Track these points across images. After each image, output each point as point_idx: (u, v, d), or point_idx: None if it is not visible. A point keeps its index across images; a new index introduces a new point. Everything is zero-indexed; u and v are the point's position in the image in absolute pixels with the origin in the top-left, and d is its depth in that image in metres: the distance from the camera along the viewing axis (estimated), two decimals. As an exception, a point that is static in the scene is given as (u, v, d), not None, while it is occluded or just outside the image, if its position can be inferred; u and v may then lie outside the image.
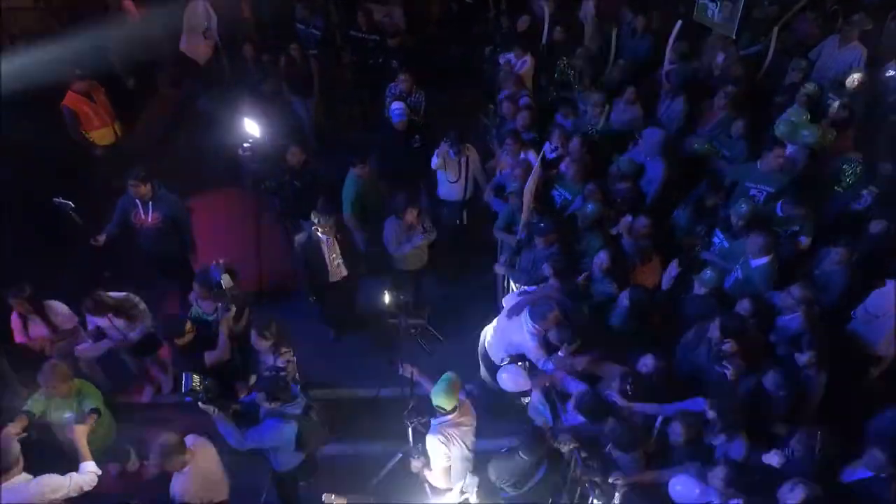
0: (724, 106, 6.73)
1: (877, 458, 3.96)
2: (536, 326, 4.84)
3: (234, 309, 5.31)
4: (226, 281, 5.32)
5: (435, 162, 6.60)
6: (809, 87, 6.62)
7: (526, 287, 5.44)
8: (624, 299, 5.06)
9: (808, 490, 3.66)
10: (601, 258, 5.31)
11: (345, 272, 6.02)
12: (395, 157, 7.04)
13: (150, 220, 6.04)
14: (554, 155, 6.58)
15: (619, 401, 4.48)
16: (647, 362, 4.69)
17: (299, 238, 6.01)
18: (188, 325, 5.07)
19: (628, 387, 4.47)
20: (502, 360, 5.22)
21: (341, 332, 6.73)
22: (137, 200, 5.98)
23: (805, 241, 5.56)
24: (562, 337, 4.80)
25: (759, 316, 4.88)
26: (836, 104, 6.39)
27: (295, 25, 9.02)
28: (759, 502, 3.85)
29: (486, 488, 4.45)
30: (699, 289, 5.17)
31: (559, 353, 4.80)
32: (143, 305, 5.66)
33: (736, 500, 3.82)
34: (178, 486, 4.19)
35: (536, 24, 8.38)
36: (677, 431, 4.20)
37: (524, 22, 8.42)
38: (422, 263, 6.46)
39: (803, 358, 4.56)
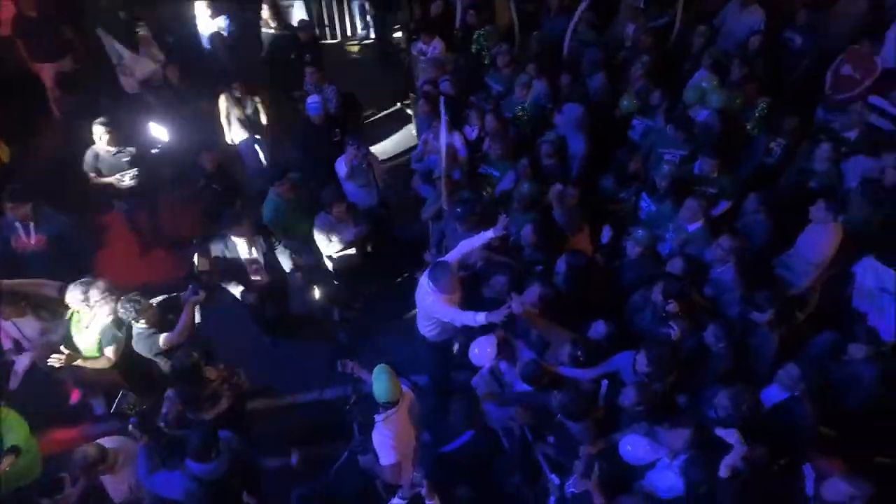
0: (641, 76, 6.86)
1: (791, 373, 4.08)
2: (438, 290, 4.74)
3: (203, 293, 5.01)
4: (200, 263, 5.13)
5: (344, 171, 6.38)
6: (713, 51, 6.84)
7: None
8: (561, 264, 5.05)
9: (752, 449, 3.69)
10: (526, 232, 5.31)
11: (266, 278, 5.81)
12: (317, 151, 6.83)
13: (32, 242, 5.63)
14: (475, 135, 6.53)
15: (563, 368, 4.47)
16: (598, 329, 4.69)
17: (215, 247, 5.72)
18: (143, 305, 4.79)
19: (579, 353, 4.44)
20: (430, 332, 5.15)
21: (278, 337, 6.47)
22: (17, 223, 5.57)
23: (725, 204, 5.72)
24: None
25: (692, 273, 4.95)
26: (735, 65, 6.64)
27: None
28: (704, 455, 3.88)
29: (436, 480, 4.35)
30: (633, 248, 5.22)
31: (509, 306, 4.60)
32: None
33: (683, 455, 3.85)
34: (114, 489, 4.03)
35: (449, 9, 8.33)
36: (630, 396, 4.14)
37: (437, 7, 8.35)
38: (356, 260, 6.29)
39: (763, 317, 4.51)
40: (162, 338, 4.85)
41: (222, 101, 7.27)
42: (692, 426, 3.82)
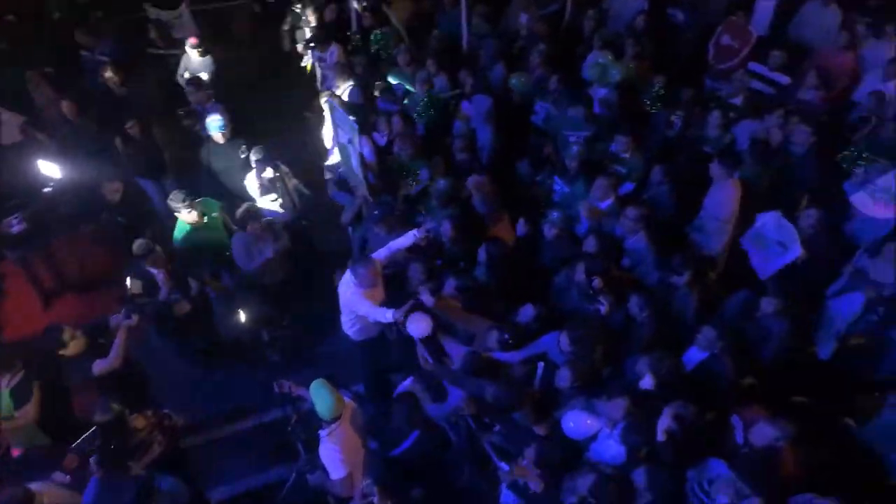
0: (539, 64, 7.04)
1: (707, 335, 4.32)
2: (357, 283, 4.77)
3: (136, 318, 4.88)
4: (134, 286, 5.08)
5: (255, 188, 6.29)
6: (603, 33, 7.13)
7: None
8: (482, 253, 5.11)
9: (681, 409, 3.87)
10: (445, 228, 5.33)
11: (187, 307, 5.61)
12: (227, 170, 6.62)
13: None
14: (385, 140, 6.52)
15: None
16: (527, 313, 4.76)
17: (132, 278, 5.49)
18: (68, 333, 4.62)
19: (507, 336, 4.50)
20: (352, 329, 5.15)
21: (208, 366, 6.22)
22: None
23: (630, 186, 5.93)
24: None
25: (606, 249, 5.13)
26: (627, 44, 6.94)
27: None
28: (640, 420, 4.04)
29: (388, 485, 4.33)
30: (550, 231, 5.34)
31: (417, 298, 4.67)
32: None
33: (621, 424, 4.00)
34: None
35: (343, 14, 8.26)
36: (565, 377, 4.25)
37: (332, 12, 8.27)
38: (282, 275, 6.16)
39: (681, 280, 4.75)
40: (95, 366, 4.65)
41: (119, 142, 6.95)
42: (628, 395, 3.96)
